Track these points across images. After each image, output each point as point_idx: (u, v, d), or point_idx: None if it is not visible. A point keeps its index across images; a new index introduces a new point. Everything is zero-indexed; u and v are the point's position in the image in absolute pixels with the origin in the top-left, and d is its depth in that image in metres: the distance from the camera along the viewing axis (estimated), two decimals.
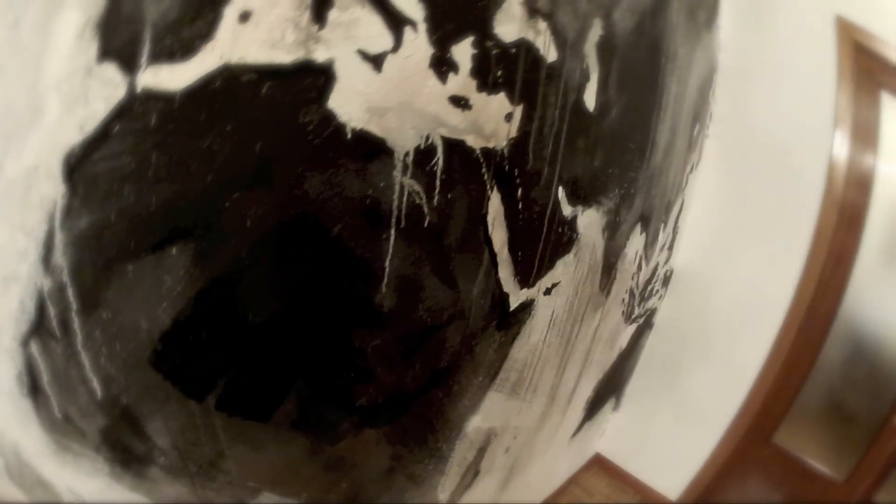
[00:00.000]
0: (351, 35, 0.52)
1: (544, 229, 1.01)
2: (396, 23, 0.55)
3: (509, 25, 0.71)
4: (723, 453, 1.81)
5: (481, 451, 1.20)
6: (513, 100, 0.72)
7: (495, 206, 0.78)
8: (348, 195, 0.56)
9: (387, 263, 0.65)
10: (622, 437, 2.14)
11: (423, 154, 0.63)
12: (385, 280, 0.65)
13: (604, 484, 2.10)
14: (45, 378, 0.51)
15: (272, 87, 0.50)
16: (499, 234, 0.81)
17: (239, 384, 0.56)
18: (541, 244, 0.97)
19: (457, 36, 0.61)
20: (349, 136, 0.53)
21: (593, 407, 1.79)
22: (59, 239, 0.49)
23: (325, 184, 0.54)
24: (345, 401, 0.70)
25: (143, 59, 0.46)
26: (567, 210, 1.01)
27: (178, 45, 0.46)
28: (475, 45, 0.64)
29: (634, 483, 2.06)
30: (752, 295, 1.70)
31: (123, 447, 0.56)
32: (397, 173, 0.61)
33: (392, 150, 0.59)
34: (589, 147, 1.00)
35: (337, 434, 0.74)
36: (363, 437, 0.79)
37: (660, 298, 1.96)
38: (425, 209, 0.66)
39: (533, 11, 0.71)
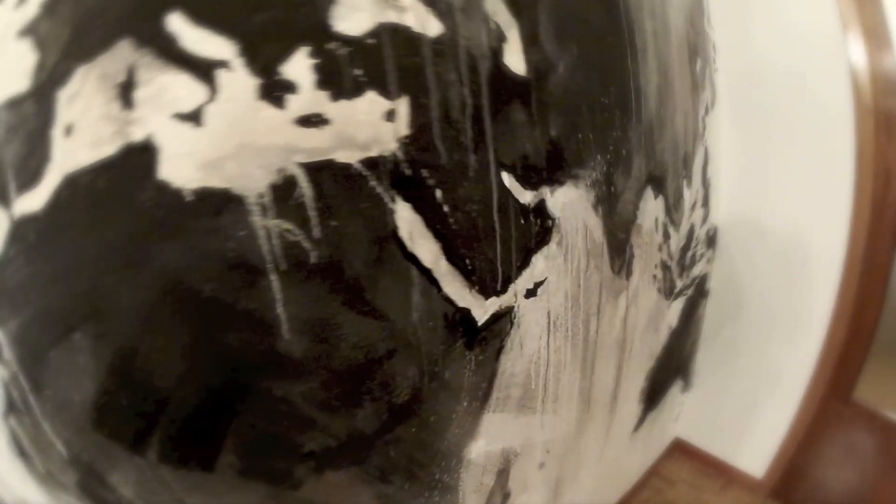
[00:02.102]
0: (162, 104, 0.48)
1: (496, 226, 0.76)
2: (206, 70, 0.49)
3: (356, 17, 0.58)
4: (803, 421, 1.46)
5: (502, 473, 1.05)
6: (390, 95, 0.60)
7: (407, 217, 0.66)
8: (208, 254, 0.51)
9: (279, 310, 0.58)
10: (699, 417, 1.77)
11: (282, 189, 0.54)
12: (284, 327, 0.58)
13: (685, 470, 1.75)
14: (25, 443, 0.58)
15: (106, 180, 0.50)
16: (426, 248, 0.68)
17: (171, 439, 0.56)
18: (498, 244, 0.76)
19: (283, 55, 0.52)
20: (189, 198, 0.49)
21: (653, 396, 1.49)
22: (2, 339, 0.54)
23: (181, 250, 0.50)
24: (289, 448, 0.65)
25: (13, 194, 0.50)
26: (525, 196, 0.79)
27: (29, 175, 0.50)
28: (313, 54, 0.54)
29: (717, 464, 1.73)
30: (805, 234, 1.30)
31: (98, 498, 0.60)
32: (256, 218, 0.54)
33: (241, 196, 0.52)
34: (535, 117, 0.78)
35: (294, 480, 0.68)
36: (328, 480, 0.72)
37: (708, 262, 1.54)
38: (306, 245, 0.58)
39: None
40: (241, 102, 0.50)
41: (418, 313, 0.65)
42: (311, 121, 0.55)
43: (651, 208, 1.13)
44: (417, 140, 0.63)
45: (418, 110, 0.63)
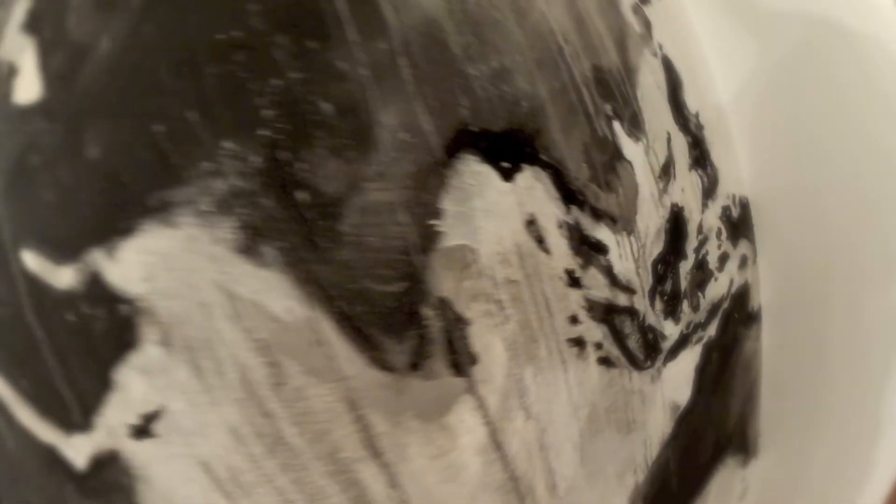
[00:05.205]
0: None
1: (37, 332, 0.41)
2: None
3: None
4: None
5: None
6: None
7: None
8: None
9: None
10: (778, 486, 0.93)
11: None
12: None
13: None
14: None
15: None
16: None
17: None
18: (49, 357, 0.41)
19: None
20: None
21: None
22: None
23: None
24: None
25: None
26: (62, 276, 0.38)
27: None
28: None
29: None
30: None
31: None
32: None
33: None
34: (60, 144, 0.38)
35: None
36: None
37: (742, 266, 0.69)
38: None
39: None
40: None
41: (13, 443, 0.44)
42: None
43: (497, 203, 0.40)
44: None
45: None
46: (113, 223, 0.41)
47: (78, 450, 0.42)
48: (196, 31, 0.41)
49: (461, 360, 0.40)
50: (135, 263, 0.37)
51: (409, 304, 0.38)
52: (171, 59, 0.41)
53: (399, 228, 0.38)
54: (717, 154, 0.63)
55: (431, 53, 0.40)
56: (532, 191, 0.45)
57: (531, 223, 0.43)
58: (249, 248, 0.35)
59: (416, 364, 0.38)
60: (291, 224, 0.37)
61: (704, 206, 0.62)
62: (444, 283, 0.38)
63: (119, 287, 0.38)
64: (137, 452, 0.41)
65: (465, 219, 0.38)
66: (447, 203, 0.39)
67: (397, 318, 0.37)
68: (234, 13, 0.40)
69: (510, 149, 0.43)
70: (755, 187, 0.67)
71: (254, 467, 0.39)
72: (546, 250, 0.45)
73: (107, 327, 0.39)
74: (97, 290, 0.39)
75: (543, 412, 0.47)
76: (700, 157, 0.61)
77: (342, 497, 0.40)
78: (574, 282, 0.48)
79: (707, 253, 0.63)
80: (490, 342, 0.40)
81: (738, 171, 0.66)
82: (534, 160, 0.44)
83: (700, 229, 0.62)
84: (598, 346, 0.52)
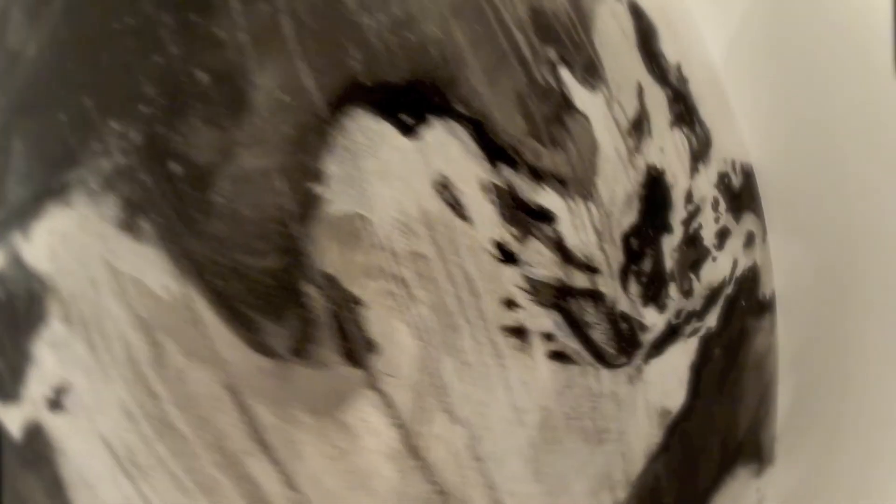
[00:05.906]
0: None
1: None
2: None
3: None
4: None
5: None
6: None
7: None
8: None
9: None
10: (800, 491, 0.73)
11: None
12: None
13: None
14: None
15: None
16: None
17: None
18: None
19: None
20: None
21: None
22: None
23: None
24: None
25: None
26: None
27: None
28: None
29: None
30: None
31: None
32: None
33: None
34: None
35: None
36: None
37: (748, 245, 0.54)
38: None
39: None
40: None
41: None
42: None
43: (396, 163, 0.35)
44: None
45: None
46: (27, 206, 0.42)
47: (13, 420, 0.44)
48: (99, 24, 0.42)
49: (355, 348, 0.36)
50: (43, 244, 0.38)
51: (287, 281, 0.34)
52: (77, 52, 0.43)
53: (274, 196, 0.34)
54: (708, 111, 0.54)
55: (320, 8, 0.36)
56: (444, 147, 0.39)
57: (443, 186, 0.38)
58: (129, 223, 0.34)
59: (300, 349, 0.34)
60: (165, 197, 0.35)
61: (694, 170, 0.53)
62: (329, 256, 0.34)
63: (32, 265, 0.39)
64: (53, 426, 0.42)
65: (354, 182, 0.34)
66: (331, 165, 0.34)
67: (275, 296, 0.33)
68: (131, 2, 0.41)
69: (414, 101, 0.38)
70: (761, 152, 0.56)
71: (147, 449, 0.37)
72: (464, 217, 0.40)
73: (25, 303, 0.40)
74: (17, 269, 0.41)
75: (475, 416, 0.41)
76: (685, 112, 0.52)
77: (236, 492, 0.36)
78: (507, 256, 0.42)
79: (700, 227, 0.54)
80: (393, 328, 0.35)
81: (738, 133, 0.56)
82: (446, 112, 0.39)
83: (689, 198, 0.53)
84: (548, 337, 0.45)
